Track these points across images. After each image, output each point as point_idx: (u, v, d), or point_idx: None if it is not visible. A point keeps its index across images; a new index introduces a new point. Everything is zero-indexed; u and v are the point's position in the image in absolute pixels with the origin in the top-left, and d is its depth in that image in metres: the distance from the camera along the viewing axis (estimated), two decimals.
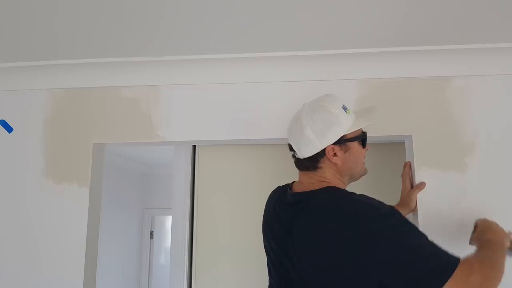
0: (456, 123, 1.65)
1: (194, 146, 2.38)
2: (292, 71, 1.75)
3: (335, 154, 1.20)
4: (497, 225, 1.31)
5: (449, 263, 1.00)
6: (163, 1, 1.31)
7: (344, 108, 1.23)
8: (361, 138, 1.25)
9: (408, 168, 1.67)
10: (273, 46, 1.64)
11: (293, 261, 1.16)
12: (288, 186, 1.33)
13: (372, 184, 2.20)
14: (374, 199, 1.12)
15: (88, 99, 1.83)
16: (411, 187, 1.64)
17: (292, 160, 1.31)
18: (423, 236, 1.05)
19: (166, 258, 5.34)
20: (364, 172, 1.30)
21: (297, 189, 1.27)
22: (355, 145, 1.23)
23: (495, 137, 1.63)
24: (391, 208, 1.09)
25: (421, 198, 1.59)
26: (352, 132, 1.22)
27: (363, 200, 1.12)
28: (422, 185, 1.59)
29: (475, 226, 1.35)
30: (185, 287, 2.23)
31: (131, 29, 1.50)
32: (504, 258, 1.14)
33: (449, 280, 0.97)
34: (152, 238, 5.26)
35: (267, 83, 1.76)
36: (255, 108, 1.76)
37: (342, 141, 1.20)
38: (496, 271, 1.07)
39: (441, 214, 1.58)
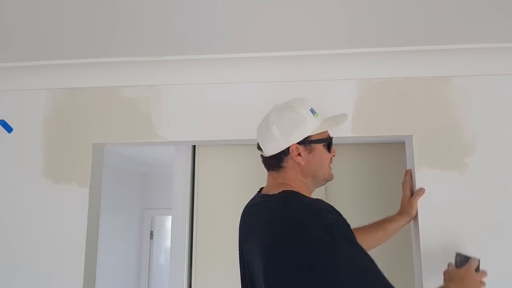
0: (456, 123, 1.65)
1: (194, 146, 2.38)
2: (294, 71, 1.75)
3: (299, 154, 1.22)
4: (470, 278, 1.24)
5: None
6: (163, 2, 1.31)
7: (312, 111, 1.25)
8: (327, 141, 1.26)
9: (409, 176, 1.66)
10: (274, 46, 1.64)
11: (249, 266, 1.19)
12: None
13: (372, 183, 2.20)
14: (325, 206, 1.06)
15: (88, 99, 1.83)
16: (411, 195, 1.63)
17: None
18: (360, 257, 0.97)
19: (166, 258, 5.34)
20: (329, 177, 1.28)
21: (264, 191, 1.29)
22: (320, 147, 1.24)
23: (495, 137, 1.63)
24: (337, 220, 1.02)
25: (421, 198, 1.59)
26: (317, 134, 1.24)
27: (311, 208, 1.05)
28: (421, 191, 1.59)
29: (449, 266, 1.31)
30: (185, 287, 2.24)
31: (131, 30, 1.50)
32: None
33: None
34: (152, 238, 5.26)
35: (267, 83, 1.76)
36: (255, 108, 1.76)
37: (307, 142, 1.22)
38: None
39: (441, 214, 1.58)
